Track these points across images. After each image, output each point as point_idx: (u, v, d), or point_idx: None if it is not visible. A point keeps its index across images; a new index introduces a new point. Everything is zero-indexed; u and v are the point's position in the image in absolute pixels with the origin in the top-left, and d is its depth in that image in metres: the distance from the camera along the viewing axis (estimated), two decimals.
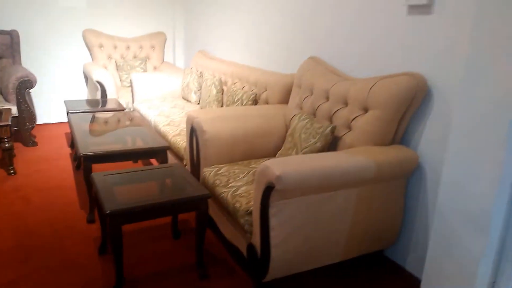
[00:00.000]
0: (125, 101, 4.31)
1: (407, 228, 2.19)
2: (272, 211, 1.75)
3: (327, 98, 2.37)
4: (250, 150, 2.54)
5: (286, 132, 2.65)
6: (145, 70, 4.89)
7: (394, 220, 2.13)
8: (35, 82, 3.92)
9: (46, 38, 4.62)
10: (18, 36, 4.28)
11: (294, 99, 2.66)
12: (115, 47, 4.90)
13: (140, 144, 2.68)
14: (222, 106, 3.64)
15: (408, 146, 2.12)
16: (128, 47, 4.97)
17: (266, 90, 3.05)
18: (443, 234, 1.86)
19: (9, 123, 3.21)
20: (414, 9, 2.03)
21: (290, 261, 1.87)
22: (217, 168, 2.37)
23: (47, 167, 3.49)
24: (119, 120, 3.34)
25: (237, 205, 1.97)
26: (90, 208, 2.58)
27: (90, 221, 2.57)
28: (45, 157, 3.73)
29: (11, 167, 3.29)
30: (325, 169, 1.77)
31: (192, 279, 2.07)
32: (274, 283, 2.01)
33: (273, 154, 2.63)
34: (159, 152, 2.65)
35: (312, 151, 2.18)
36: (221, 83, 3.61)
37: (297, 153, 2.25)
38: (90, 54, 4.85)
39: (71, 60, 4.81)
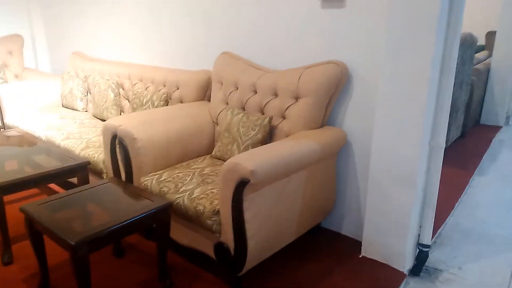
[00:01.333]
0: None
1: (340, 198, 2.49)
2: (245, 205, 1.80)
3: (255, 91, 2.49)
4: (184, 152, 2.50)
5: (214, 128, 2.68)
6: (5, 80, 4.18)
7: (330, 193, 2.40)
8: None
9: None
10: None
11: (216, 95, 2.69)
12: None
13: (54, 164, 2.36)
14: (122, 111, 3.42)
15: (334, 126, 2.40)
16: None
17: (178, 89, 2.99)
18: (377, 196, 2.20)
19: None
20: (326, 2, 2.27)
21: (262, 249, 1.96)
22: (157, 176, 2.27)
23: None
24: (8, 142, 2.84)
25: (200, 207, 1.95)
26: (4, 248, 2.18)
27: (8, 263, 2.18)
28: None
29: None
30: (287, 157, 1.90)
31: None
32: (246, 276, 2.07)
33: (206, 152, 2.63)
34: (80, 170, 2.39)
35: (254, 142, 2.27)
36: (118, 85, 3.37)
37: (238, 146, 2.32)
38: None
39: None
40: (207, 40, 2.98)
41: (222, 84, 2.68)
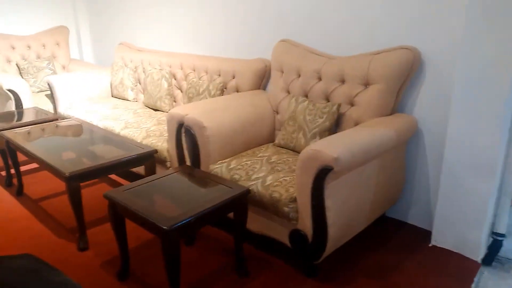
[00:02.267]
0: (45, 109, 3.73)
1: (407, 187, 2.45)
2: (326, 192, 1.79)
3: (319, 78, 2.46)
4: (247, 140, 2.49)
5: (274, 117, 2.67)
6: (54, 71, 4.27)
7: (399, 182, 2.36)
8: None
9: None
10: None
11: (276, 83, 2.67)
12: (13, 48, 4.15)
13: (121, 152, 2.39)
14: (174, 101, 3.44)
15: (403, 113, 2.35)
16: (29, 47, 4.25)
17: (234, 78, 2.98)
18: (451, 185, 2.15)
19: None
20: None
21: (338, 237, 1.95)
22: (225, 163, 2.28)
23: None
24: (70, 131, 2.90)
25: (275, 195, 1.95)
26: (80, 233, 2.24)
27: (83, 248, 2.24)
28: None
29: None
30: (367, 145, 1.87)
31: (234, 280, 2.00)
32: (322, 263, 2.06)
33: (267, 140, 2.63)
34: (148, 158, 2.42)
35: (321, 130, 2.25)
36: (171, 75, 3.39)
37: (304, 134, 2.30)
38: None
39: None
40: (261, 28, 2.96)
41: (282, 72, 2.65)
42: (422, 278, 2.02)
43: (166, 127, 2.92)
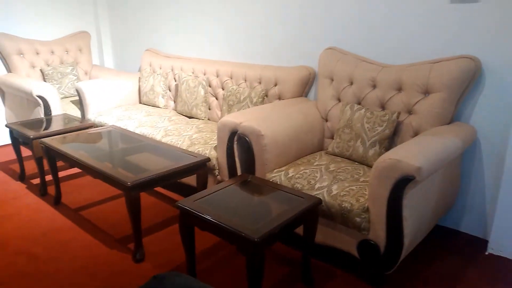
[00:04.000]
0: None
1: (462, 195, 2.44)
2: (404, 202, 1.77)
3: (374, 86, 2.45)
4: (300, 148, 2.47)
5: (323, 125, 2.65)
6: (78, 77, 4.20)
7: (455, 190, 2.35)
8: None
9: None
10: None
11: (326, 91, 2.66)
12: (37, 53, 4.08)
13: (173, 161, 2.35)
14: (209, 108, 3.41)
15: (460, 121, 2.35)
16: (52, 52, 4.18)
17: (276, 85, 2.96)
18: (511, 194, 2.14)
19: None
20: None
21: (409, 247, 1.93)
22: (283, 172, 2.25)
23: (13, 211, 2.78)
24: (113, 139, 2.84)
25: (346, 205, 1.92)
26: (136, 244, 2.18)
27: (140, 259, 2.18)
28: None
29: None
30: (441, 153, 1.86)
31: None
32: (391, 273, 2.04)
33: (318, 148, 2.61)
34: (201, 167, 2.38)
35: (381, 139, 2.24)
36: (207, 82, 3.36)
37: (363, 143, 2.28)
38: (6, 63, 3.94)
39: None
40: (302, 36, 2.94)
41: (332, 80, 2.64)
42: (486, 287, 2.00)
43: (207, 135, 2.89)
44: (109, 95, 3.73)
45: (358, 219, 1.90)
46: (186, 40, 3.86)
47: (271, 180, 2.24)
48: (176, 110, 3.60)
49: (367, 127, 2.28)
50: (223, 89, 3.33)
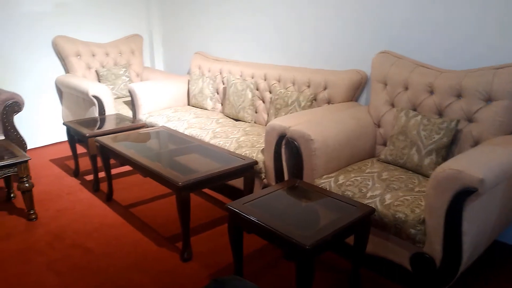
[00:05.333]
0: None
1: None
2: (465, 215, 1.68)
3: (431, 92, 2.35)
4: (351, 154, 2.41)
5: (375, 131, 2.57)
6: (130, 79, 4.36)
7: None
8: (23, 104, 3.25)
9: (11, 52, 3.83)
10: None
11: (379, 95, 2.58)
12: (93, 55, 4.27)
13: (221, 163, 2.36)
14: (256, 111, 3.41)
15: None
16: (107, 54, 4.37)
17: (325, 89, 2.92)
18: None
19: (28, 157, 2.60)
20: None
21: (467, 262, 1.83)
22: (332, 178, 2.21)
23: (67, 205, 2.91)
24: (163, 139, 2.91)
25: (400, 215, 1.85)
26: (184, 243, 2.22)
27: (187, 259, 2.21)
28: (52, 192, 3.11)
29: (32, 211, 2.69)
30: (506, 165, 1.75)
31: None
32: None
33: (369, 155, 2.54)
34: (248, 170, 2.38)
35: (438, 147, 2.14)
36: (255, 86, 3.37)
37: (418, 151, 2.19)
38: (65, 64, 4.16)
39: (41, 75, 4.06)
40: (355, 40, 2.88)
41: (385, 85, 2.56)
42: None
43: (254, 138, 2.89)
44: (160, 97, 3.83)
45: (413, 231, 1.82)
46: (234, 43, 3.90)
47: (320, 186, 2.20)
48: (223, 113, 3.63)
49: (424, 135, 2.19)
50: (270, 93, 3.32)
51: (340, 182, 2.17)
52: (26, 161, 2.57)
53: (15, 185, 2.97)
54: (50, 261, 2.23)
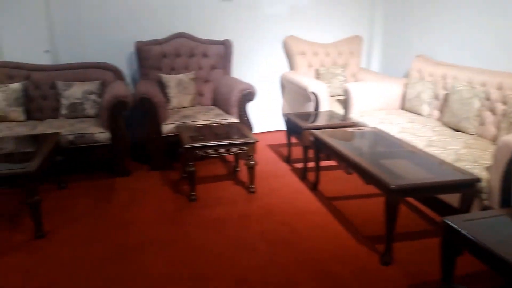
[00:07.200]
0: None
1: None
2: None
3: None
4: None
5: None
6: (345, 78, 4.51)
7: None
8: (256, 94, 3.78)
9: (249, 47, 4.51)
10: (231, 46, 4.21)
11: None
12: (315, 54, 4.60)
13: (434, 173, 2.22)
14: (482, 124, 3.05)
15: None
16: (327, 54, 4.64)
17: None
18: None
19: (257, 139, 3.04)
20: None
21: None
22: None
23: (277, 186, 3.27)
24: (377, 140, 2.95)
25: None
26: (386, 247, 2.20)
27: (386, 263, 2.20)
28: (267, 172, 3.53)
29: (252, 186, 3.13)
30: None
31: None
32: None
33: None
34: (467, 186, 2.17)
35: None
36: (486, 95, 3.02)
37: None
38: (290, 62, 4.63)
39: (268, 70, 4.64)
40: None
41: None
42: None
43: (477, 153, 2.61)
44: (373, 98, 3.85)
45: None
46: (462, 47, 3.56)
47: None
48: (441, 121, 3.39)
49: None
50: (504, 104, 2.91)
51: None
52: (254, 143, 3.01)
53: (240, 161, 3.51)
54: (263, 231, 2.57)
